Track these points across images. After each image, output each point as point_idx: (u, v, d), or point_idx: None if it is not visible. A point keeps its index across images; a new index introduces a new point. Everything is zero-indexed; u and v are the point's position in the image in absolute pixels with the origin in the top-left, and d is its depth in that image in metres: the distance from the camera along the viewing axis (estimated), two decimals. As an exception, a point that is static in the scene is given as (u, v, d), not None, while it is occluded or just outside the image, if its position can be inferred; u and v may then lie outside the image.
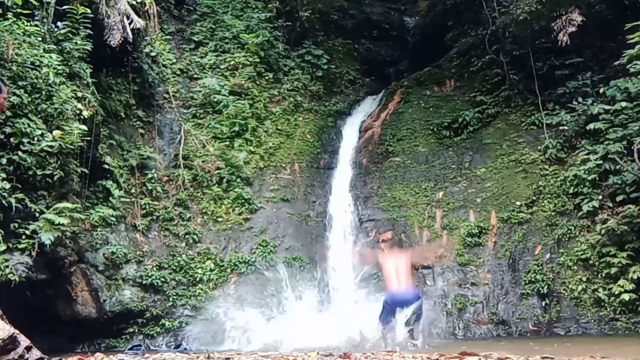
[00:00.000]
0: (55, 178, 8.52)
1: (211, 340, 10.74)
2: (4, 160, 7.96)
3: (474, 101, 15.02)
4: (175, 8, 16.50)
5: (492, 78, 15.12)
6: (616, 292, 10.06)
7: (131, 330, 10.86)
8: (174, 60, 15.17)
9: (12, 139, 8.11)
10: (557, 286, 10.94)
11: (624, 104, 11.42)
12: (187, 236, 12.27)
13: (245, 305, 11.29)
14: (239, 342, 10.25)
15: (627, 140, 10.95)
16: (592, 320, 10.42)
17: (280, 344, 9.52)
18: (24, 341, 3.29)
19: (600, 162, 11.23)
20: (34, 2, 9.37)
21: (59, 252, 9.23)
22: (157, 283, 11.18)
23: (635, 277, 9.92)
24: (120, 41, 11.03)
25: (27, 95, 8.48)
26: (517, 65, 14.52)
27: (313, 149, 14.99)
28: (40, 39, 9.24)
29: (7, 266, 7.71)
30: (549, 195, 12.05)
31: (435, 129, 14.82)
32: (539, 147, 12.93)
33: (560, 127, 12.77)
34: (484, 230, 12.22)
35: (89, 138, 9.57)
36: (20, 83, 8.46)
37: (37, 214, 8.27)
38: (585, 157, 11.63)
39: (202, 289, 11.56)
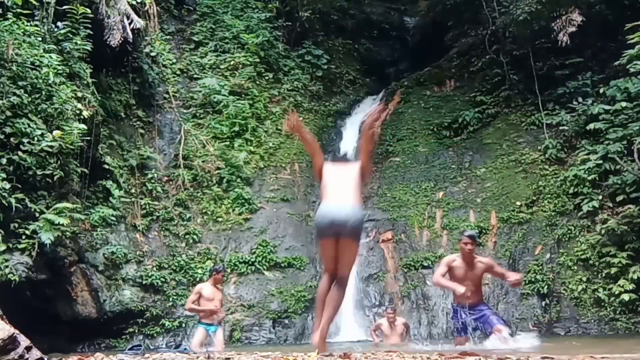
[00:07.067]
0: (55, 178, 8.52)
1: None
2: (4, 160, 7.95)
3: (474, 101, 15.02)
4: (175, 8, 16.53)
5: (492, 78, 15.13)
6: (616, 292, 10.05)
7: (131, 330, 10.86)
8: (174, 60, 15.17)
9: (12, 139, 8.10)
10: (557, 286, 10.93)
11: (624, 104, 11.42)
12: (187, 236, 12.27)
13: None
14: None
15: (627, 140, 10.95)
16: (592, 320, 10.41)
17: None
18: (24, 341, 3.28)
19: (600, 162, 11.23)
20: (34, 2, 9.36)
21: (59, 252, 9.22)
22: (157, 283, 11.18)
23: (635, 277, 9.91)
24: (120, 41, 11.03)
25: (27, 95, 8.47)
26: (517, 65, 14.53)
27: (313, 149, 14.95)
28: (40, 39, 9.23)
29: (7, 266, 7.71)
30: (549, 195, 12.04)
31: (435, 129, 14.83)
32: (539, 147, 12.93)
33: (560, 127, 12.78)
34: (484, 230, 12.21)
35: (89, 138, 9.57)
36: (20, 83, 8.45)
37: (37, 214, 8.26)
38: (585, 157, 11.63)
39: (202, 289, 11.53)
